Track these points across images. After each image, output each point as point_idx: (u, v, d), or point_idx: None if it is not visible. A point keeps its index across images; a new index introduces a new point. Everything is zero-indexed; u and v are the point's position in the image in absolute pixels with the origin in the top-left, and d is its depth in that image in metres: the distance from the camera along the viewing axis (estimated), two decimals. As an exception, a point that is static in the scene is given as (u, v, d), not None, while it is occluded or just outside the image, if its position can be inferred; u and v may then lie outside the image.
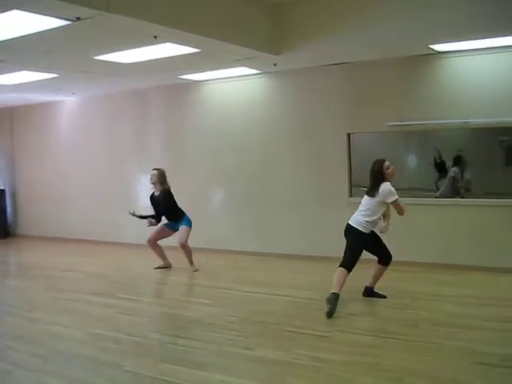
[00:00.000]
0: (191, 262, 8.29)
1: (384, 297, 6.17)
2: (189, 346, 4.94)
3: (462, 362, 4.34)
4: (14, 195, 13.16)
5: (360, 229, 5.96)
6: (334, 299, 5.66)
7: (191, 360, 4.58)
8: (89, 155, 11.62)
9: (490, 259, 7.56)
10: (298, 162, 9.11)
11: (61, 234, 12.00)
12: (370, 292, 6.25)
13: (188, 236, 8.23)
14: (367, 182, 6.29)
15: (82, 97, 11.67)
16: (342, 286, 5.79)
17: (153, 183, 8.28)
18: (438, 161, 8.33)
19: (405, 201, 8.07)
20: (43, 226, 12.43)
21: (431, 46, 7.40)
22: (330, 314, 5.58)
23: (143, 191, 10.34)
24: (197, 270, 8.20)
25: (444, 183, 8.34)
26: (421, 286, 6.97)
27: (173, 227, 8.36)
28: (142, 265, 8.21)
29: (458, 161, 8.18)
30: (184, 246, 8.20)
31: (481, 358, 4.38)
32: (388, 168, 6.06)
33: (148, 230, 8.26)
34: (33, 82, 9.28)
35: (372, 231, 6.06)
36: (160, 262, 8.47)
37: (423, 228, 8.06)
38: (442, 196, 8.29)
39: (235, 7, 7.02)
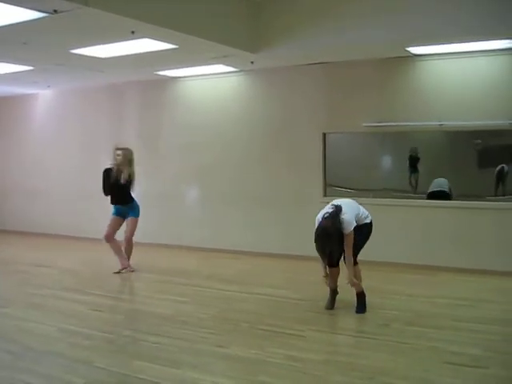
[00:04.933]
0: (128, 260, 8.07)
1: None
2: (161, 343, 4.91)
3: (433, 361, 4.39)
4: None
5: None
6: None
7: (163, 357, 4.56)
8: (64, 149, 11.50)
9: (462, 260, 7.67)
10: (274, 161, 9.13)
11: (34, 228, 11.86)
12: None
13: (135, 230, 8.05)
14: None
15: (57, 90, 11.55)
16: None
17: (118, 164, 7.90)
18: (414, 155, 8.34)
19: (379, 201, 8.21)
20: (16, 220, 12.26)
21: (408, 49, 7.47)
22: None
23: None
24: (133, 271, 8.01)
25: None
26: (393, 285, 7.03)
27: (122, 214, 8.03)
28: (116, 261, 8.13)
29: None
30: (129, 241, 8.03)
31: (451, 358, 4.43)
32: None
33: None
34: (8, 74, 9.16)
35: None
36: (118, 265, 8.05)
37: (396, 228, 8.13)
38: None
39: (213, 4, 7.01)
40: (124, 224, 8.10)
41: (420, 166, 8.30)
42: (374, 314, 5.76)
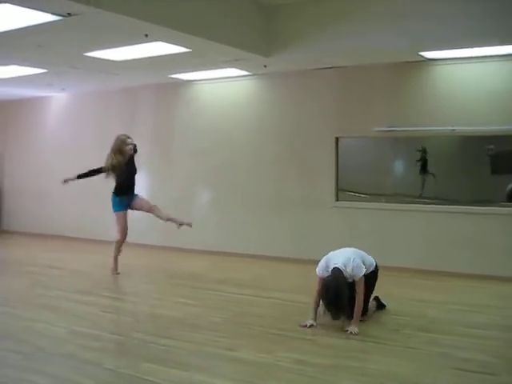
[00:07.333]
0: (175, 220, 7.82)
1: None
2: (170, 346, 4.91)
3: (443, 367, 4.36)
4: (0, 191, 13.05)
5: None
6: None
7: (172, 360, 4.56)
8: (76, 152, 11.54)
9: (473, 266, 7.62)
10: (286, 165, 9.13)
11: (45, 230, 11.92)
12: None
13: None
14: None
15: (71, 93, 11.62)
16: None
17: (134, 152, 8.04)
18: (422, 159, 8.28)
19: (390, 206, 8.18)
20: (28, 221, 12.33)
21: (421, 53, 7.45)
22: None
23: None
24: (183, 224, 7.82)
25: None
26: (404, 291, 7.00)
27: (128, 203, 7.97)
28: (126, 263, 8.16)
29: None
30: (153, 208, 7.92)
31: (461, 364, 4.41)
32: None
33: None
34: (22, 77, 9.24)
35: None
36: (111, 266, 7.99)
37: (407, 233, 8.09)
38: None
39: (227, 8, 7.03)
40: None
41: (430, 169, 8.22)
42: (385, 319, 5.73)
